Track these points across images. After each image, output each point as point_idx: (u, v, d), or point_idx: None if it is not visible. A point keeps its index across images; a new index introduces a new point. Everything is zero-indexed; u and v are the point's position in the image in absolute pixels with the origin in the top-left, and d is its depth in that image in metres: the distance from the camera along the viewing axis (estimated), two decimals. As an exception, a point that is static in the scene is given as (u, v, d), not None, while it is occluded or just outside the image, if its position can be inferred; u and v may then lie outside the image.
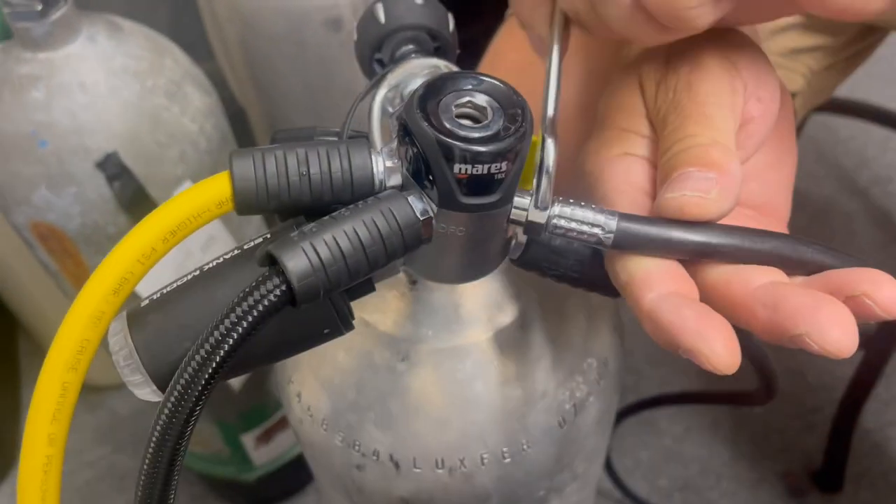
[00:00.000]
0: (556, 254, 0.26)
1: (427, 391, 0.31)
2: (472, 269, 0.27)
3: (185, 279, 0.27)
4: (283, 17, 0.55)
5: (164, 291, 0.27)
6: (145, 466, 0.23)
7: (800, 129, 1.08)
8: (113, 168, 0.45)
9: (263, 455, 0.67)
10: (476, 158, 0.22)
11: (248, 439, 0.64)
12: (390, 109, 0.27)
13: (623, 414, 0.75)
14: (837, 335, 0.21)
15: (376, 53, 0.30)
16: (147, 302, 0.26)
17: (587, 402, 0.32)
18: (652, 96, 0.27)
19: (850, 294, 0.22)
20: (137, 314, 0.26)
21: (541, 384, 0.31)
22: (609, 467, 0.73)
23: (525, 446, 0.31)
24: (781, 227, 0.29)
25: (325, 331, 0.25)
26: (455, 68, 0.29)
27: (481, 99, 0.23)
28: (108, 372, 0.76)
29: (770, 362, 0.35)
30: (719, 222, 0.25)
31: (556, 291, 0.32)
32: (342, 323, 0.25)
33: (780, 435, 0.81)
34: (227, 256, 0.26)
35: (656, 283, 0.23)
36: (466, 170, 0.22)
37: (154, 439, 0.22)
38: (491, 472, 0.31)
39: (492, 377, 0.31)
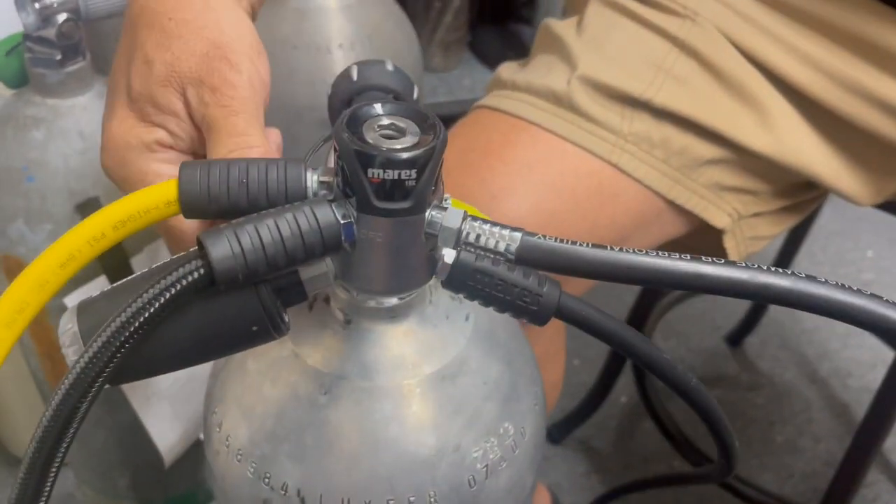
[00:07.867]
0: (482, 273, 0.27)
1: (343, 427, 0.31)
2: (396, 280, 0.28)
3: (135, 275, 0.29)
4: (279, 114, 0.59)
5: (114, 286, 0.29)
6: (44, 420, 0.24)
7: (763, 308, 1.12)
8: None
9: (183, 548, 0.64)
10: (386, 164, 0.25)
11: (170, 527, 0.62)
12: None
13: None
14: None
15: (345, 108, 0.33)
16: (98, 294, 0.28)
17: (499, 467, 0.33)
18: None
19: None
20: (86, 303, 0.28)
21: (454, 437, 0.32)
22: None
23: (432, 499, 0.31)
24: None
25: (254, 328, 0.27)
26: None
27: (402, 122, 0.27)
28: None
29: (730, 434, 0.35)
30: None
31: (483, 354, 0.34)
32: (271, 323, 0.27)
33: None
34: (177, 256, 0.28)
35: None
36: (379, 174, 0.25)
37: (61, 391, 0.24)
38: (395, 522, 0.31)
39: (407, 422, 0.31)
